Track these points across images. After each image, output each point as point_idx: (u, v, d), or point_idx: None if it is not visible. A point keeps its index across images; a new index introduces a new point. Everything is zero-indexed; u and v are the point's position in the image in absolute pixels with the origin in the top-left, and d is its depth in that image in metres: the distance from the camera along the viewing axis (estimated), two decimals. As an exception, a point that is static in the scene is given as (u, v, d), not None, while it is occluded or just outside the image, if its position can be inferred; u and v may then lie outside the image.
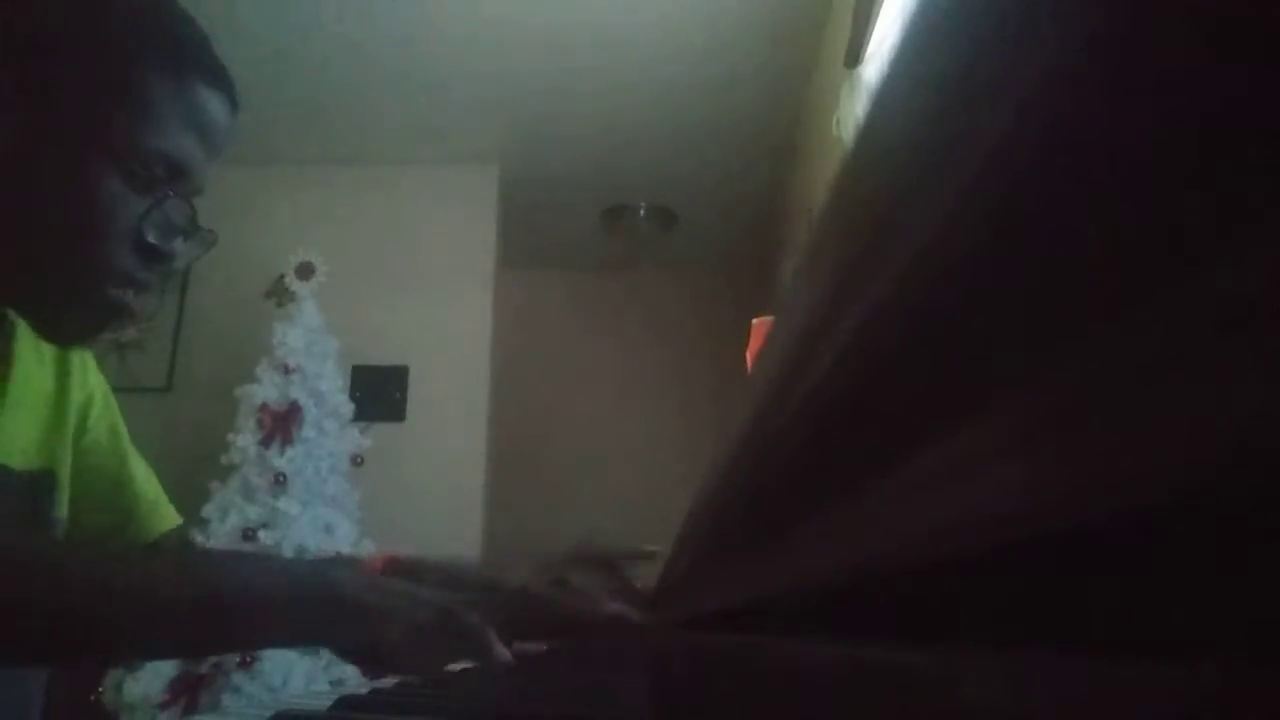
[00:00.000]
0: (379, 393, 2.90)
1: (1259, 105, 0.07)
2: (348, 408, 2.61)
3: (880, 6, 1.73)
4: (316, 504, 2.40)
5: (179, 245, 0.72)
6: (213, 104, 0.71)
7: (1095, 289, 0.09)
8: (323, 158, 3.13)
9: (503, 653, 0.65)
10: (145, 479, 0.87)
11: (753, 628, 0.33)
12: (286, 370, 2.48)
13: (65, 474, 0.78)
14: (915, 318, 0.13)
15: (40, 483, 0.76)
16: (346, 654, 0.66)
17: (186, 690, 2.09)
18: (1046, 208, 0.09)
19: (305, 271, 2.70)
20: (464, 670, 0.84)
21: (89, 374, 0.83)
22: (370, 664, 0.67)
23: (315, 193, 3.13)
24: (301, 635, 0.71)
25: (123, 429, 0.86)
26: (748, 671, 0.31)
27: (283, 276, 2.71)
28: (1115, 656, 0.10)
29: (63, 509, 0.77)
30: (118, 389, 0.86)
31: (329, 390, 2.55)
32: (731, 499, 0.29)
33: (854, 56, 1.91)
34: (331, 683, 2.05)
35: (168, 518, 0.87)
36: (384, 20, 2.52)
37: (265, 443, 2.40)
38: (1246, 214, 0.07)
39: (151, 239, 0.68)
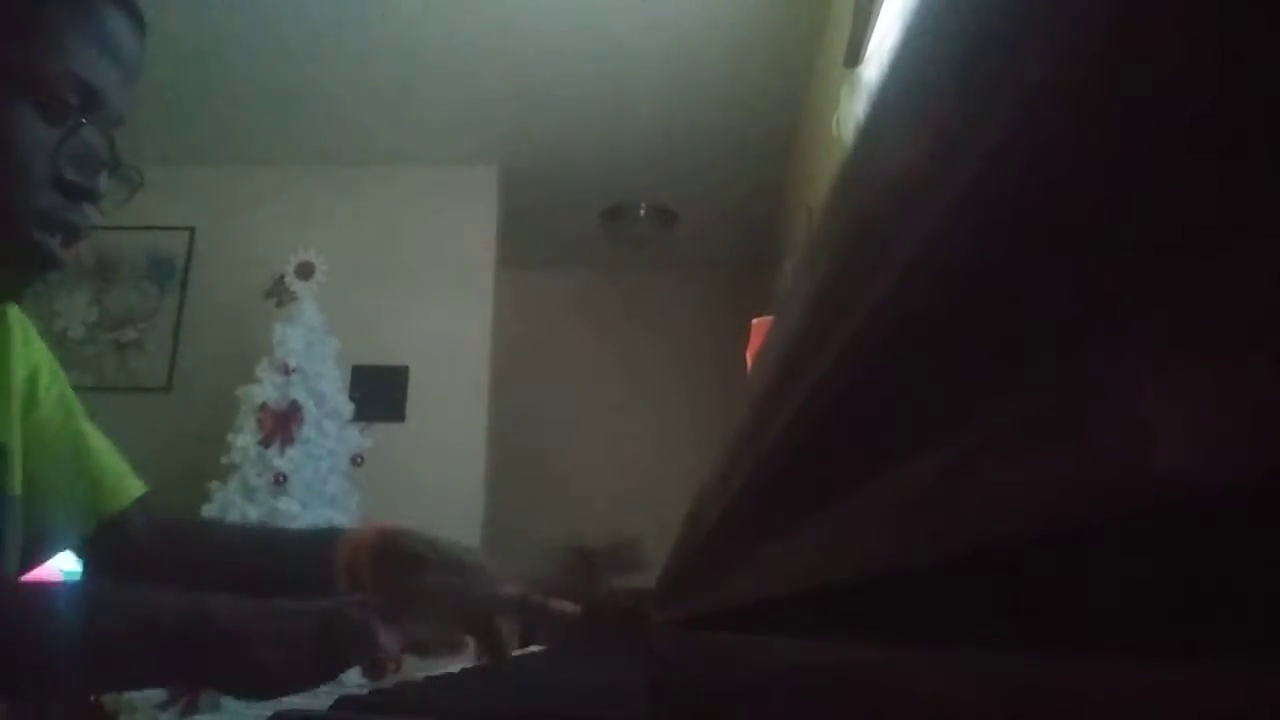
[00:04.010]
0: (379, 393, 2.90)
1: (1260, 105, 0.07)
2: (348, 408, 2.61)
3: (880, 6, 1.73)
4: (316, 504, 2.40)
5: (101, 181, 0.67)
6: (116, 21, 0.67)
7: (1095, 289, 0.09)
8: (323, 158, 3.13)
9: (391, 647, 0.60)
10: (105, 449, 0.82)
11: (753, 628, 0.33)
12: (286, 370, 2.48)
13: (16, 447, 0.73)
14: (915, 318, 0.13)
15: None
16: (236, 691, 0.62)
17: (187, 690, 2.09)
18: (1046, 208, 0.09)
19: (305, 271, 2.70)
20: (464, 670, 0.84)
21: (31, 344, 0.78)
22: (261, 693, 0.62)
23: (315, 193, 3.13)
24: (176, 673, 0.67)
25: (74, 399, 0.81)
26: (748, 671, 0.31)
27: (283, 276, 2.71)
28: (1115, 656, 0.10)
29: (16, 485, 0.73)
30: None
31: (329, 390, 2.55)
32: (731, 499, 0.29)
33: (854, 56, 1.91)
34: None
35: (134, 487, 0.82)
36: (384, 20, 2.52)
37: (265, 443, 2.40)
38: (1247, 214, 0.07)
39: (70, 175, 0.64)
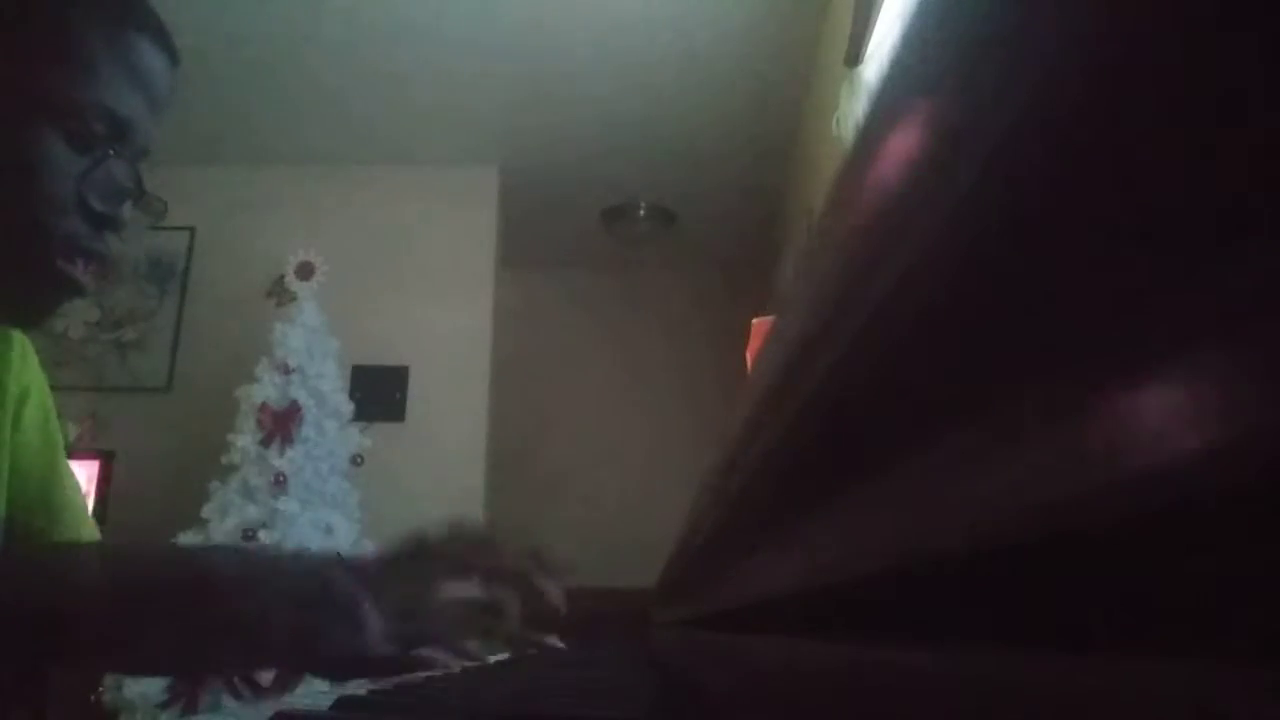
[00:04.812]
0: (379, 393, 2.90)
1: (1258, 105, 0.07)
2: (348, 408, 2.61)
3: (880, 6, 1.73)
4: (316, 504, 2.40)
5: (126, 210, 0.68)
6: (150, 55, 0.68)
7: (1095, 289, 0.09)
8: (323, 158, 3.13)
9: (375, 631, 0.60)
10: (73, 486, 0.82)
11: (753, 628, 0.33)
12: (286, 370, 2.48)
13: (4, 469, 0.74)
14: (915, 317, 0.13)
15: None
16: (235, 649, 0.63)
17: (187, 690, 2.09)
18: (1046, 208, 0.09)
19: (305, 271, 2.70)
20: (464, 670, 0.84)
21: (29, 368, 0.78)
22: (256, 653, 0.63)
23: (315, 193, 3.13)
24: (176, 639, 0.68)
25: (56, 429, 0.80)
26: (748, 671, 0.31)
27: (283, 276, 2.71)
28: (1115, 656, 0.10)
29: (1, 507, 0.73)
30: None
31: (329, 390, 2.55)
32: (732, 499, 0.29)
33: (854, 56, 1.91)
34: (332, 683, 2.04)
35: (91, 529, 0.82)
36: (384, 20, 2.52)
37: (265, 443, 2.40)
38: (1246, 214, 0.07)
39: (94, 204, 0.65)
